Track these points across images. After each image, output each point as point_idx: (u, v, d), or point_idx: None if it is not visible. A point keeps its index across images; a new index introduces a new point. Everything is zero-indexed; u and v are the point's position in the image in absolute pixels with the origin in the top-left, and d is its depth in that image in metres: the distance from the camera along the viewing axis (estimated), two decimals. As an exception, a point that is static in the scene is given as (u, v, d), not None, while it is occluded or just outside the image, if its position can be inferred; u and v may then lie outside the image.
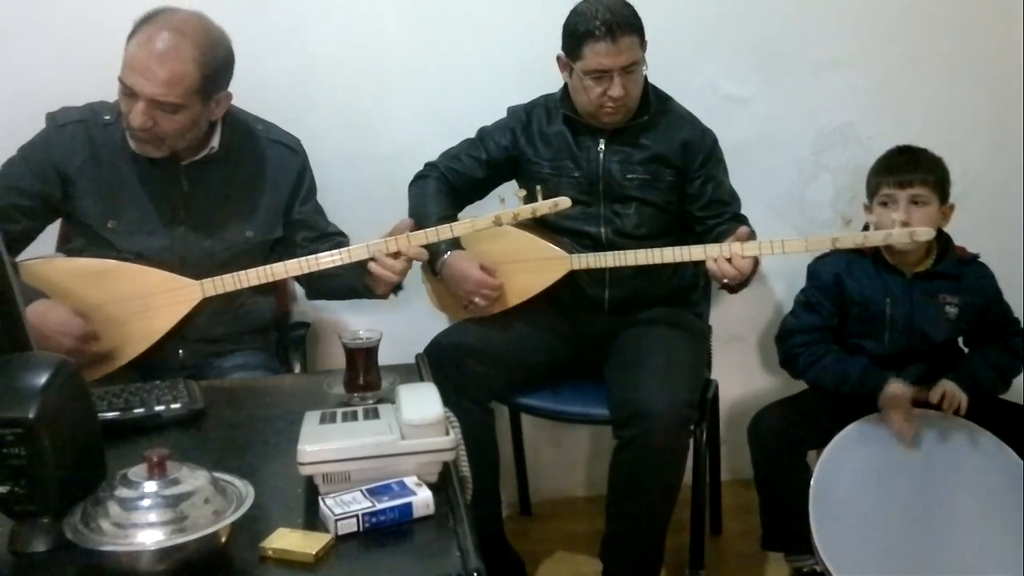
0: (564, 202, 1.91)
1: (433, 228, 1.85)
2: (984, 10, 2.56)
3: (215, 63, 1.83)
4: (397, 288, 1.94)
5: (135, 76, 1.77)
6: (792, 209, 2.58)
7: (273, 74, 2.29)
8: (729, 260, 1.91)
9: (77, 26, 2.21)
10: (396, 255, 1.81)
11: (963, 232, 2.23)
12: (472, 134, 2.26)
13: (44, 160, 1.91)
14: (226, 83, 1.90)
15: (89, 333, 1.79)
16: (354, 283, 1.94)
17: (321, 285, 2.04)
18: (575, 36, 2.03)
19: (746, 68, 2.53)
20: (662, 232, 2.16)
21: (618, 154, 2.15)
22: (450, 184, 2.21)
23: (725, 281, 1.94)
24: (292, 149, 2.05)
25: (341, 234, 2.09)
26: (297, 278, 2.05)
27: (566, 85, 2.16)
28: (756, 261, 1.96)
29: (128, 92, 1.79)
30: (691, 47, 2.49)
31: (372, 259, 1.82)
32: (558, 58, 2.12)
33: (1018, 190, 2.62)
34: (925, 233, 1.91)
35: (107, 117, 1.93)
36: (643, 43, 2.05)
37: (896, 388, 2.04)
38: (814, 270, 2.23)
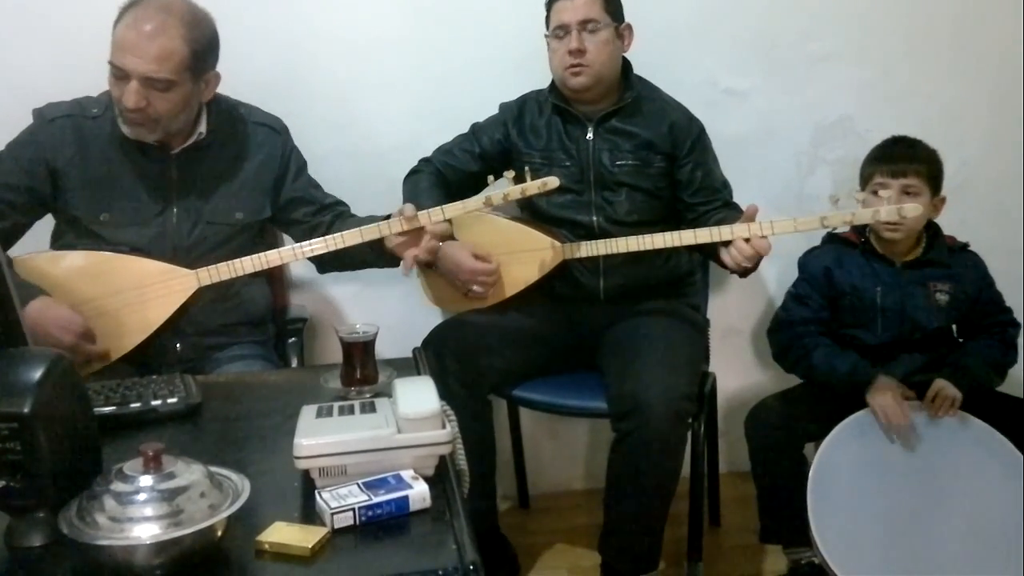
0: (552, 181, 1.94)
1: (425, 211, 1.87)
2: (983, 4, 2.56)
3: (203, 40, 1.85)
4: None
5: (126, 56, 1.78)
6: (791, 202, 2.57)
7: (270, 70, 2.29)
8: (747, 240, 1.89)
9: (69, 22, 2.21)
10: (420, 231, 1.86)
11: (961, 225, 2.24)
12: (468, 128, 2.28)
13: (33, 156, 1.91)
14: (213, 63, 1.91)
15: (88, 331, 1.79)
16: (366, 257, 1.98)
17: (334, 260, 2.04)
18: (547, 5, 2.14)
19: (745, 62, 2.53)
20: (653, 220, 2.17)
21: (607, 142, 2.16)
22: (444, 178, 2.23)
23: (745, 265, 1.92)
24: (275, 130, 2.06)
25: (340, 203, 2.11)
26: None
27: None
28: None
29: (119, 74, 1.80)
30: (690, 41, 2.49)
31: (394, 236, 1.87)
32: (547, 41, 2.16)
33: (1017, 183, 2.62)
34: (912, 209, 1.91)
35: (94, 110, 1.93)
36: (610, 10, 2.10)
37: (883, 385, 2.05)
38: (804, 263, 2.25)
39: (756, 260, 1.92)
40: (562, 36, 2.09)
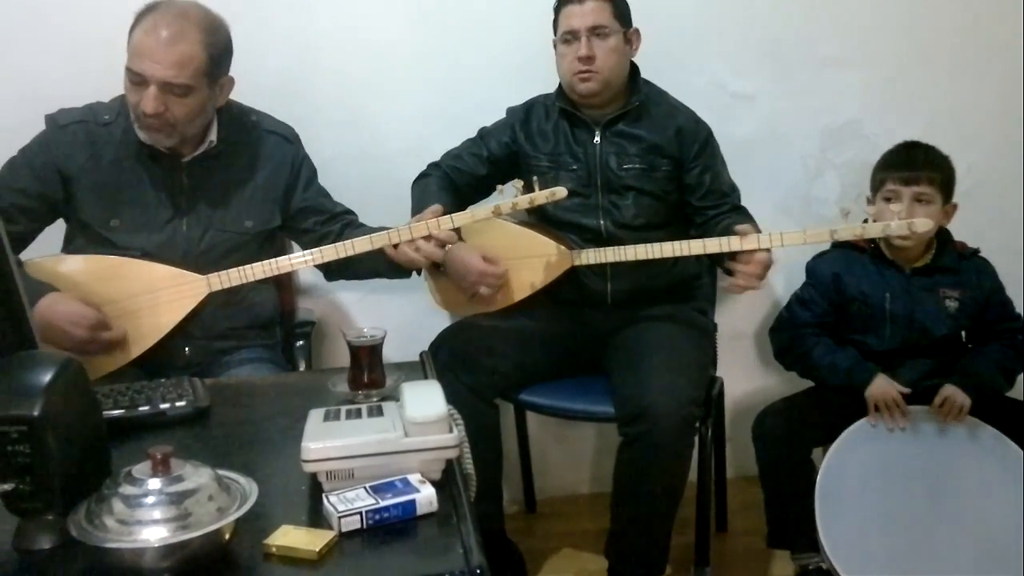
0: (560, 191, 1.94)
1: (434, 219, 1.87)
2: (989, 8, 2.55)
3: (219, 45, 1.86)
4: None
5: (145, 62, 1.79)
6: (798, 206, 2.58)
7: (277, 73, 2.29)
8: (744, 258, 1.89)
9: (80, 28, 2.22)
10: (427, 238, 1.86)
11: (967, 229, 2.23)
12: (476, 133, 2.28)
13: (45, 161, 1.92)
14: (228, 67, 1.92)
15: (100, 322, 1.80)
16: (376, 266, 1.98)
17: (343, 268, 2.05)
18: (555, 9, 2.14)
19: (752, 65, 2.53)
20: (660, 223, 2.18)
21: (614, 145, 2.16)
22: (452, 182, 2.23)
23: (754, 287, 1.93)
24: (286, 139, 2.07)
25: (349, 212, 2.11)
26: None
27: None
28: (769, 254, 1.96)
29: (137, 80, 1.81)
30: (698, 44, 2.49)
31: (404, 242, 1.87)
32: (553, 44, 2.16)
33: (1022, 187, 2.61)
34: (923, 224, 1.90)
35: (106, 117, 1.94)
36: (619, 16, 2.10)
37: (881, 385, 2.04)
38: (812, 267, 2.25)
39: (762, 275, 1.92)
40: (571, 41, 2.09)
